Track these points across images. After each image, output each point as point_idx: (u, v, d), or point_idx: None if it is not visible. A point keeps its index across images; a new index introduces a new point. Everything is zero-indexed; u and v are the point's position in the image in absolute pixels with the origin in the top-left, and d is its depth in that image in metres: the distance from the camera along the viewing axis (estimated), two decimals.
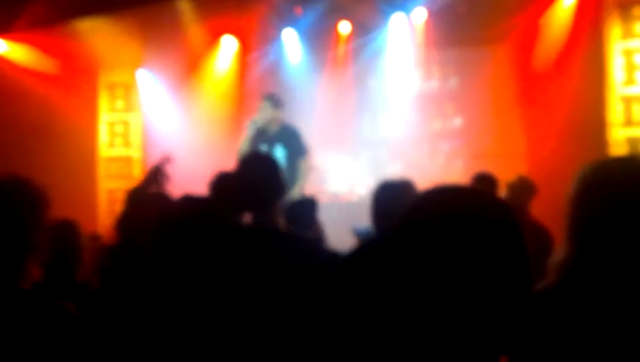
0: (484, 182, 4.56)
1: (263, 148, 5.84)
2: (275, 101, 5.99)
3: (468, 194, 1.06)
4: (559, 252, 1.50)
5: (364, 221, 4.33)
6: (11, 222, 1.66)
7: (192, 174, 6.79)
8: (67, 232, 3.07)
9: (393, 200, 2.72)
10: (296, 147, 5.96)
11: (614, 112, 6.99)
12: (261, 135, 5.92)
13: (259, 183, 2.53)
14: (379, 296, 1.10)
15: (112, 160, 8.51)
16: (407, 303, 0.99)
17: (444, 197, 1.05)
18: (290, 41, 8.57)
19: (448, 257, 0.97)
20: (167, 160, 3.57)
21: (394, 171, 8.13)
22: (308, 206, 4.02)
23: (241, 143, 5.90)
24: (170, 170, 3.52)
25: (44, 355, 1.56)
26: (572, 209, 1.49)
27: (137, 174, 8.41)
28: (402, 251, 1.01)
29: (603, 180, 1.46)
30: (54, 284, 2.82)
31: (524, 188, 4.70)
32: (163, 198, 3.52)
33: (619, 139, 6.91)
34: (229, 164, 3.07)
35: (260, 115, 5.94)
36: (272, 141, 5.93)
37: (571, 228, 1.48)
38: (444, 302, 0.97)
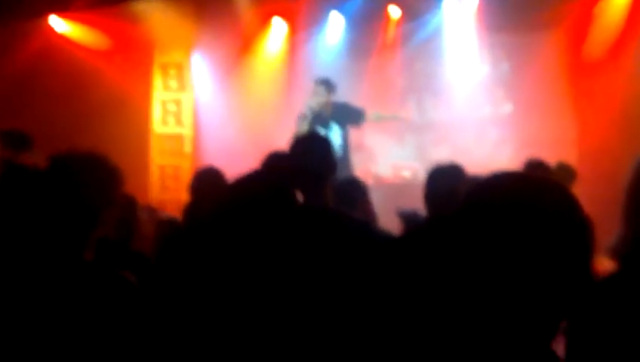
0: (537, 169, 4.50)
1: (321, 130, 5.97)
2: (329, 85, 6.17)
3: (533, 181, 1.06)
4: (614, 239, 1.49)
5: (409, 204, 4.37)
6: (86, 197, 1.70)
7: (242, 153, 6.93)
8: (128, 206, 3.18)
9: (447, 184, 2.76)
10: (353, 116, 6.27)
11: None
12: (316, 118, 6.06)
13: (312, 163, 2.56)
14: (438, 277, 1.12)
15: (164, 137, 8.71)
16: (465, 285, 1.01)
17: (506, 182, 1.05)
18: (339, 24, 8.59)
19: (510, 243, 0.98)
20: None
21: (439, 156, 8.08)
22: (355, 186, 4.04)
23: (298, 126, 6.02)
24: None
25: (106, 323, 1.61)
26: (629, 194, 1.48)
27: (188, 151, 8.62)
28: (466, 233, 1.02)
29: None
30: (113, 255, 2.94)
31: (565, 174, 4.66)
32: (216, 174, 3.64)
33: None
34: (279, 143, 3.13)
35: (315, 99, 6.08)
36: (327, 123, 6.11)
37: (628, 212, 1.47)
38: (503, 285, 0.98)
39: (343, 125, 6.16)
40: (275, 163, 2.99)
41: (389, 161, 8.51)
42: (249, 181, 2.03)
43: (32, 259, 1.65)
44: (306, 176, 2.54)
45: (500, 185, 1.04)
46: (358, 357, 1.78)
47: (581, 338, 1.41)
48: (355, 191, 4.07)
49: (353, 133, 6.61)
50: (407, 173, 8.21)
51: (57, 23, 8.04)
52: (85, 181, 1.71)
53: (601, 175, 6.16)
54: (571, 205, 1.03)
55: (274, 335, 1.76)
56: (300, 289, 1.87)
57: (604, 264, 1.50)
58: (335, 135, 6.06)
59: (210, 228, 1.99)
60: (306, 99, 6.25)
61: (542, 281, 0.97)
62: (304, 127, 5.93)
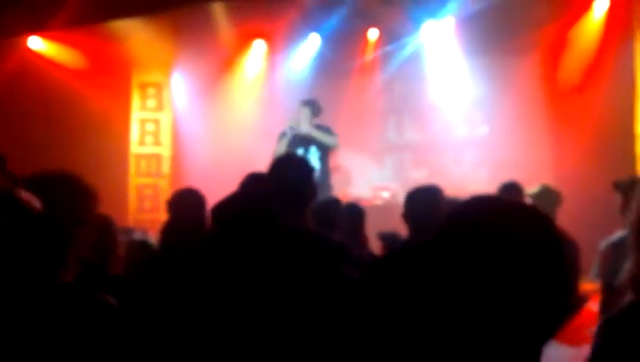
0: (511, 191, 4.55)
1: (300, 151, 6.01)
2: (315, 108, 6.21)
3: (511, 205, 1.07)
4: (628, 266, 1.47)
5: (389, 225, 4.39)
6: (60, 216, 1.67)
7: (221, 173, 6.92)
8: (105, 228, 3.15)
9: (425, 205, 2.78)
10: (328, 139, 6.21)
11: None
12: (296, 138, 6.09)
13: (292, 185, 2.56)
14: (417, 300, 1.11)
15: (142, 157, 8.68)
16: (444, 309, 1.01)
17: (486, 206, 1.06)
18: (317, 45, 8.66)
19: (487, 266, 0.98)
20: None
21: (418, 177, 8.17)
22: (333, 207, 4.04)
23: (278, 147, 6.05)
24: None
25: (85, 345, 1.59)
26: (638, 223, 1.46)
27: (166, 171, 8.59)
28: (442, 258, 1.02)
29: None
30: (92, 277, 2.90)
31: (549, 197, 4.67)
32: (195, 195, 3.61)
33: None
34: (258, 163, 3.12)
35: (300, 120, 6.11)
36: (306, 144, 6.12)
37: (637, 237, 1.46)
38: (479, 309, 0.98)
39: (323, 148, 6.16)
40: (254, 184, 2.96)
41: (368, 183, 8.55)
42: (233, 203, 2.02)
43: (7, 282, 1.62)
44: (286, 197, 2.53)
45: (477, 209, 1.05)
46: None
47: None
48: (334, 211, 4.08)
49: (331, 155, 6.63)
50: (386, 194, 8.24)
51: (35, 43, 8.00)
52: (57, 201, 1.70)
53: (577, 197, 6.25)
54: (548, 229, 1.03)
55: (252, 354, 1.75)
56: (279, 312, 1.86)
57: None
58: (313, 157, 6.08)
59: (196, 249, 2.02)
60: (288, 119, 6.28)
61: (520, 305, 0.98)
62: (282, 147, 5.97)
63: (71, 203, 1.74)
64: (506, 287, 0.98)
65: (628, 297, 1.44)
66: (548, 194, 4.73)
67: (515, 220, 1.02)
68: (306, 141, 6.10)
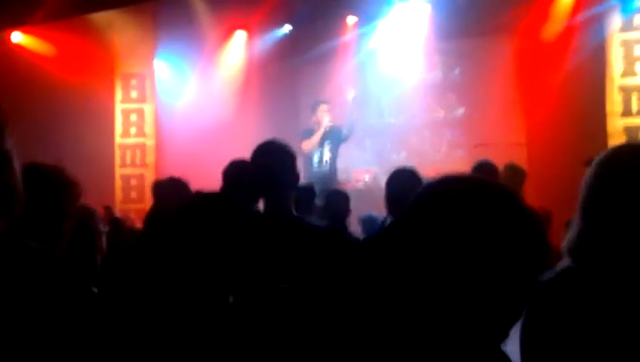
0: (483, 170, 4.68)
1: (327, 146, 6.97)
2: (329, 105, 7.14)
3: (477, 181, 1.09)
4: (570, 234, 1.51)
5: (371, 207, 4.54)
6: (45, 209, 1.68)
7: (205, 162, 6.99)
8: (86, 218, 3.10)
9: (404, 187, 2.89)
10: (344, 135, 7.12)
11: (613, 102, 7.15)
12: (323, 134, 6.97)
13: (273, 171, 2.56)
14: (390, 279, 1.11)
15: (126, 147, 8.74)
16: (415, 285, 1.02)
17: (453, 183, 1.09)
18: (295, 33, 8.73)
19: (456, 239, 1.01)
20: None
21: (398, 159, 8.29)
22: (309, 193, 4.13)
23: (308, 142, 6.84)
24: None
25: (67, 332, 1.52)
26: (587, 189, 1.49)
27: (151, 161, 8.65)
28: (414, 233, 1.05)
29: (622, 164, 1.47)
30: (74, 268, 2.89)
31: (515, 175, 4.86)
32: (179, 184, 3.66)
33: (618, 128, 7.08)
34: (241, 152, 3.09)
35: (325, 118, 6.98)
36: (324, 138, 7.00)
37: (584, 207, 1.49)
38: (447, 285, 1.00)
39: (335, 145, 7.01)
40: (236, 171, 3.03)
41: (350, 166, 8.65)
42: (210, 191, 1.99)
43: None
44: (267, 184, 2.57)
45: (444, 186, 1.08)
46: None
47: (535, 335, 1.43)
48: (343, 201, 4.21)
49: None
50: (367, 178, 8.35)
51: (17, 37, 8.01)
52: (40, 193, 1.68)
53: (550, 173, 6.44)
54: (514, 203, 1.05)
55: (231, 339, 1.72)
56: (257, 294, 1.88)
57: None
58: (326, 152, 6.95)
59: (167, 232, 1.93)
60: (311, 117, 7.11)
61: (487, 279, 0.99)
62: (315, 142, 6.86)
63: (54, 195, 1.72)
64: (475, 261, 0.99)
65: (565, 262, 1.50)
66: (512, 171, 4.92)
67: (481, 195, 1.04)
68: (325, 135, 6.94)
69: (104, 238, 3.33)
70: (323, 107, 7.07)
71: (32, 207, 1.63)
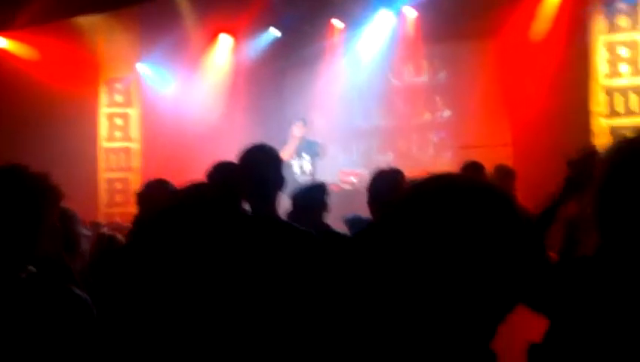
0: (471, 170, 4.72)
1: (305, 158, 7.49)
2: (306, 122, 7.60)
3: (468, 180, 1.08)
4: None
5: (357, 209, 4.51)
6: (24, 213, 1.66)
7: (190, 166, 6.96)
8: (65, 221, 3.05)
9: (387, 188, 2.87)
10: (319, 150, 7.65)
11: (598, 103, 7.21)
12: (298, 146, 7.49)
13: (260, 174, 2.56)
14: (376, 275, 1.09)
15: (111, 151, 8.69)
16: (403, 280, 1.00)
17: (443, 180, 1.07)
18: (281, 37, 8.73)
19: (448, 234, 0.98)
20: None
21: (385, 161, 8.31)
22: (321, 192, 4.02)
23: (285, 154, 6.92)
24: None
25: (58, 338, 1.59)
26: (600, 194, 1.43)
27: (136, 165, 8.60)
28: (404, 229, 1.02)
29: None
30: (53, 272, 2.83)
31: (505, 176, 4.89)
32: (164, 185, 3.63)
33: (602, 129, 7.14)
34: (225, 157, 3.06)
35: (296, 131, 7.45)
36: (299, 152, 7.51)
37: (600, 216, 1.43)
38: (441, 277, 0.98)
39: (312, 157, 7.52)
40: (221, 172, 2.97)
41: (336, 168, 8.65)
42: (195, 188, 1.97)
43: None
44: (253, 186, 2.56)
45: (434, 184, 1.06)
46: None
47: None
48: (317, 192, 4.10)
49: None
50: (354, 180, 8.35)
51: (1, 42, 7.94)
52: (21, 196, 1.68)
53: (535, 174, 6.45)
54: (505, 201, 1.03)
55: (216, 338, 1.72)
56: (243, 296, 1.85)
57: None
58: (306, 163, 7.41)
59: (151, 231, 1.87)
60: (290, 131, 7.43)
61: (476, 278, 0.97)
62: (288, 156, 7.11)
63: (31, 198, 1.69)
64: (464, 259, 0.97)
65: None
66: (502, 172, 4.95)
67: (472, 193, 1.02)
68: (299, 150, 7.45)
69: (85, 241, 3.30)
70: (298, 123, 7.52)
71: (9, 210, 1.65)
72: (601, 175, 1.42)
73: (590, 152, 2.04)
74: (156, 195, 3.41)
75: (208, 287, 1.71)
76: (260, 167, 2.58)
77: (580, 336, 1.41)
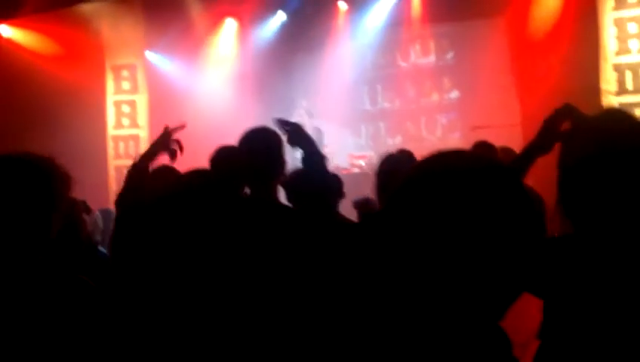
0: (483, 149, 4.66)
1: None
2: (312, 114, 7.57)
3: (475, 156, 1.07)
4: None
5: (367, 193, 4.48)
6: (36, 200, 1.67)
7: (198, 152, 6.96)
8: (68, 209, 3.05)
9: (397, 170, 2.84)
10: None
11: (608, 81, 7.13)
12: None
13: (261, 158, 2.54)
14: (384, 259, 1.07)
15: (119, 138, 8.70)
16: (412, 261, 0.99)
17: (452, 156, 1.07)
18: (288, 21, 8.68)
19: (456, 211, 0.97)
20: (180, 127, 3.33)
21: (393, 144, 8.30)
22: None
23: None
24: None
25: (68, 326, 1.59)
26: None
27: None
28: (411, 207, 1.01)
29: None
30: (60, 259, 2.86)
31: (508, 157, 4.85)
32: (171, 172, 3.64)
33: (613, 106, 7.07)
34: (233, 142, 3.12)
35: (302, 121, 7.31)
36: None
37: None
38: (449, 256, 0.97)
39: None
40: (223, 157, 2.97)
41: (346, 152, 8.65)
42: (194, 174, 1.96)
43: None
44: (255, 170, 2.54)
45: (443, 158, 1.06)
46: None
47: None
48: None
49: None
50: (363, 163, 8.35)
51: (6, 31, 7.94)
52: (33, 183, 1.68)
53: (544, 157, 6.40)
54: (513, 179, 1.02)
55: (217, 324, 1.71)
56: (242, 281, 1.83)
57: None
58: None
59: (151, 215, 1.83)
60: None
61: (484, 256, 0.96)
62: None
63: (45, 186, 1.70)
64: (472, 237, 0.96)
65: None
66: (506, 155, 4.91)
67: (479, 169, 1.01)
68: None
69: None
70: (300, 112, 7.58)
71: (23, 198, 1.66)
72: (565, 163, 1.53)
73: (562, 112, 2.02)
74: (162, 182, 3.42)
75: (207, 274, 1.71)
76: (260, 151, 2.55)
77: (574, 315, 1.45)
